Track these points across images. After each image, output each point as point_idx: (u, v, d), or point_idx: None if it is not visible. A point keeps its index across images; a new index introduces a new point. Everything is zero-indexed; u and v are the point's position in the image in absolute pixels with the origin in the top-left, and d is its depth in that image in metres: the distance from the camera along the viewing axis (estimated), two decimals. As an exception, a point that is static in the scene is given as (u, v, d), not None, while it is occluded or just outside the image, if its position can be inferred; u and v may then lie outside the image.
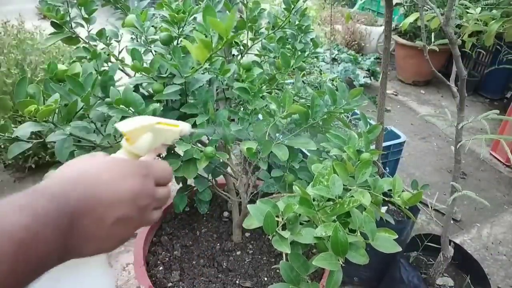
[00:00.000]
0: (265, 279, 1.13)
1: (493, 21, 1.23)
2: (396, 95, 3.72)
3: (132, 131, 0.44)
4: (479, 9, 1.19)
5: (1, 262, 0.30)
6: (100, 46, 1.11)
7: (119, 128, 0.44)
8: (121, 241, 0.41)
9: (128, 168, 0.41)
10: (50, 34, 1.07)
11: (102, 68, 0.99)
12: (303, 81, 2.49)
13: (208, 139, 0.98)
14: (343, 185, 0.74)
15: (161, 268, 1.14)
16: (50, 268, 0.35)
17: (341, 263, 0.65)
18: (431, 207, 1.25)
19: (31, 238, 0.32)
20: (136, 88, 1.00)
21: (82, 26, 1.08)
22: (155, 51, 1.02)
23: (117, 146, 0.91)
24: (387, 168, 1.84)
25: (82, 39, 1.08)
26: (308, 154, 1.00)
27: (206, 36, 0.88)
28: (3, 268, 0.30)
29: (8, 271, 0.30)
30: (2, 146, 2.09)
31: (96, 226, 0.37)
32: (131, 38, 1.10)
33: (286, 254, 0.71)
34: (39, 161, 2.17)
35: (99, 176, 0.38)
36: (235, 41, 1.13)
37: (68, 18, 1.03)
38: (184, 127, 0.50)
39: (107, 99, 0.86)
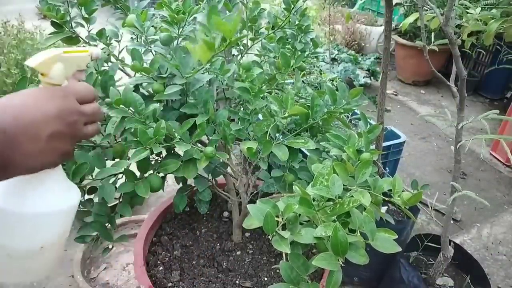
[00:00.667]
0: (265, 279, 1.13)
1: (493, 20, 1.23)
2: (396, 95, 3.72)
3: (41, 63, 0.48)
4: (479, 9, 1.19)
5: None
6: (100, 46, 1.11)
7: (29, 64, 0.48)
8: (62, 154, 0.48)
9: (48, 92, 0.48)
10: (50, 34, 1.07)
11: (102, 68, 0.99)
12: (303, 81, 2.49)
13: (208, 139, 0.98)
14: (343, 185, 0.74)
15: (161, 268, 1.14)
16: None
17: (341, 263, 0.65)
18: (431, 207, 1.26)
19: None
20: (136, 88, 1.00)
21: (82, 26, 1.08)
22: (155, 51, 1.02)
23: (117, 146, 0.91)
24: (387, 168, 1.84)
25: (82, 39, 1.08)
26: (308, 154, 1.00)
27: (207, 36, 0.88)
28: None
29: None
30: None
31: (32, 142, 0.43)
32: (131, 38, 1.10)
33: (286, 254, 0.71)
34: (39, 161, 2.17)
35: (25, 101, 0.45)
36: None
37: (68, 18, 1.03)
38: (94, 50, 0.55)
39: (107, 99, 0.86)
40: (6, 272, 0.53)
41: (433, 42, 1.13)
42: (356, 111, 1.91)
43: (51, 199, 0.52)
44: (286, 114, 0.90)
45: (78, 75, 0.54)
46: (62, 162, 0.50)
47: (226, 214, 1.38)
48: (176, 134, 0.90)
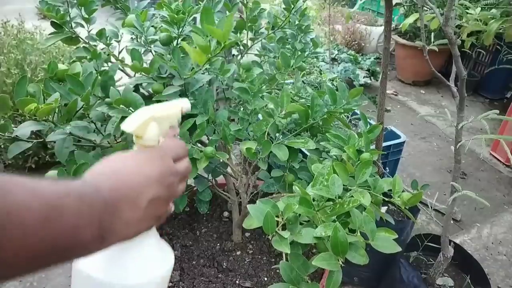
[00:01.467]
0: (265, 279, 1.13)
1: (493, 20, 1.23)
2: (396, 95, 3.72)
3: (138, 128, 0.46)
4: (478, 9, 1.19)
5: (30, 222, 0.32)
6: (100, 46, 1.11)
7: (125, 129, 0.46)
8: (158, 218, 0.47)
9: (147, 155, 0.46)
10: (50, 34, 1.07)
11: (102, 68, 0.99)
12: (303, 81, 2.49)
13: (208, 139, 0.98)
14: (343, 185, 0.74)
15: (161, 268, 1.14)
16: (88, 249, 0.38)
17: (341, 263, 0.65)
18: (431, 207, 1.26)
19: (61, 204, 0.34)
20: (136, 88, 1.00)
21: (82, 26, 1.08)
22: (155, 51, 1.02)
23: (117, 146, 0.91)
24: (387, 168, 1.84)
25: (82, 39, 1.08)
26: (308, 154, 1.00)
27: (204, 38, 0.88)
28: (32, 226, 0.32)
29: (36, 232, 0.32)
30: (2, 146, 2.09)
31: (132, 210, 0.41)
32: (131, 38, 1.10)
33: (286, 254, 0.71)
34: (39, 161, 2.18)
35: (126, 167, 0.43)
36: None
37: (68, 18, 1.03)
38: (183, 104, 0.52)
39: (107, 99, 0.86)
40: None
41: (433, 42, 1.13)
42: (356, 111, 1.91)
43: (151, 266, 0.50)
44: (284, 113, 0.90)
45: (171, 132, 0.52)
46: (159, 223, 0.49)
47: (226, 214, 1.38)
48: (176, 134, 0.90)
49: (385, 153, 1.82)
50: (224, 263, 1.17)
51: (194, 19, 1.04)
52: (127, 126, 0.46)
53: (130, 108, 0.85)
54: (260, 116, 0.99)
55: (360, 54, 4.00)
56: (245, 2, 1.10)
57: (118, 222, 0.40)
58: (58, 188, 0.35)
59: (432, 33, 1.37)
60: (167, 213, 0.49)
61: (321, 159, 0.98)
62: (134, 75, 1.04)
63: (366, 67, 3.58)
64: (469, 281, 1.39)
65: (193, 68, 0.91)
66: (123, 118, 0.85)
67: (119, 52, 1.13)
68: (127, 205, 0.41)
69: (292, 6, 1.07)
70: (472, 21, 1.18)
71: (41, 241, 0.32)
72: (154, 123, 0.47)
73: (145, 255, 0.50)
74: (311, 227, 0.70)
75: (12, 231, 0.30)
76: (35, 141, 0.82)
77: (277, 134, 0.97)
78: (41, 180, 0.35)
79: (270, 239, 0.68)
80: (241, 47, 1.17)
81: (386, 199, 0.84)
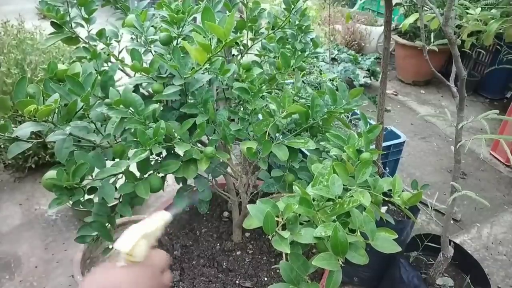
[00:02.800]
0: (265, 279, 1.13)
1: (493, 20, 1.22)
2: (396, 95, 3.72)
3: (133, 247, 0.50)
4: (478, 9, 1.19)
5: None
6: (100, 46, 1.11)
7: (120, 250, 0.49)
8: None
9: (141, 273, 0.50)
10: (50, 34, 1.07)
11: (102, 68, 0.99)
12: (303, 81, 2.49)
13: (208, 139, 0.98)
14: (343, 185, 0.74)
15: (161, 268, 1.14)
16: None
17: (341, 263, 0.65)
18: (431, 207, 1.26)
19: None
20: (136, 88, 1.00)
21: (82, 26, 1.08)
22: (155, 51, 1.02)
23: (117, 146, 0.91)
24: (387, 168, 1.84)
25: (82, 39, 1.08)
26: (308, 154, 1.00)
27: (205, 37, 0.88)
28: None
29: None
30: (2, 146, 2.09)
31: None
32: (131, 38, 1.10)
33: (286, 254, 0.71)
34: (39, 161, 2.18)
35: (124, 285, 0.47)
36: (235, 41, 1.13)
37: (68, 18, 1.03)
38: (165, 216, 0.57)
39: (107, 100, 0.86)
40: None
41: (433, 42, 1.13)
42: (356, 111, 1.91)
43: None
44: (285, 113, 0.90)
45: (153, 243, 0.55)
46: None
47: (226, 214, 1.38)
48: (176, 134, 0.90)
49: (385, 153, 1.82)
50: (224, 263, 1.17)
51: (194, 19, 1.04)
52: (122, 246, 0.49)
53: (130, 108, 0.85)
54: (260, 116, 0.98)
55: (360, 54, 4.00)
56: (245, 2, 1.10)
57: None
58: None
59: (432, 33, 1.37)
60: None
61: (321, 159, 0.98)
62: (134, 75, 1.04)
63: (366, 67, 3.58)
64: (469, 281, 1.39)
65: (193, 67, 0.91)
66: (123, 119, 0.85)
67: (119, 52, 1.13)
68: None
69: (292, 6, 1.07)
70: (472, 21, 1.18)
71: None
72: (144, 240, 0.51)
73: None
74: (311, 227, 0.70)
75: None
76: (35, 141, 0.82)
77: (277, 134, 0.97)
78: None
79: (270, 239, 0.68)
80: (241, 47, 1.17)
81: (386, 199, 0.84)
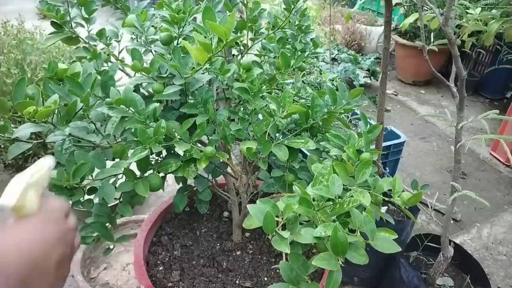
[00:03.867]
0: (265, 279, 1.13)
1: (493, 20, 1.23)
2: (396, 95, 3.72)
3: (19, 200, 0.45)
4: (478, 9, 1.19)
5: None
6: (100, 46, 1.11)
7: (6, 205, 0.44)
8: (64, 278, 0.47)
9: (39, 222, 0.45)
10: (50, 34, 1.07)
11: (102, 68, 0.99)
12: (303, 81, 2.49)
13: (208, 139, 0.98)
14: (343, 185, 0.74)
15: (161, 268, 1.14)
16: None
17: (341, 263, 0.65)
18: (431, 207, 1.26)
19: None
20: (136, 88, 1.00)
21: (82, 26, 1.08)
22: (155, 51, 1.02)
23: (117, 146, 0.91)
24: (387, 168, 1.84)
25: (82, 39, 1.08)
26: (308, 154, 1.00)
27: (205, 37, 0.88)
28: None
29: None
30: (2, 146, 2.09)
31: (44, 276, 0.42)
32: (131, 38, 1.10)
33: (286, 254, 0.71)
34: (39, 161, 2.17)
35: (24, 240, 0.42)
36: (235, 41, 1.13)
37: (68, 18, 1.03)
38: (46, 162, 0.51)
39: (107, 99, 0.86)
40: None
41: (433, 42, 1.13)
42: (356, 111, 1.91)
43: None
44: (285, 113, 0.90)
45: (46, 192, 0.51)
46: (63, 284, 0.49)
47: (226, 214, 1.38)
48: (176, 134, 0.90)
49: (385, 153, 1.82)
50: (224, 263, 1.17)
51: (195, 19, 1.04)
52: (7, 200, 0.44)
53: (130, 108, 0.85)
54: (260, 116, 0.98)
55: (360, 54, 4.00)
56: (245, 2, 1.10)
57: None
58: None
59: (432, 33, 1.37)
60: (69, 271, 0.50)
61: (321, 159, 0.98)
62: (134, 75, 1.04)
63: (366, 67, 3.58)
64: (469, 281, 1.39)
65: (193, 67, 0.91)
66: (123, 118, 0.85)
67: (119, 52, 1.13)
68: (38, 273, 0.41)
69: (292, 6, 1.07)
70: (472, 21, 1.18)
71: None
72: (32, 189, 0.46)
73: None
74: (311, 227, 0.70)
75: None
76: (35, 141, 0.82)
77: (277, 134, 0.97)
78: None
79: (270, 239, 0.68)
80: (241, 47, 1.17)
81: (386, 199, 0.84)
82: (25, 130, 0.78)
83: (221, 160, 1.11)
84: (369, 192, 0.80)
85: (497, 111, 1.00)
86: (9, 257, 0.40)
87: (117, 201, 1.00)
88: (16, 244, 0.41)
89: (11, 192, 0.45)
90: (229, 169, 1.18)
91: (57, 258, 0.44)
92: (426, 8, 1.24)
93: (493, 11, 1.26)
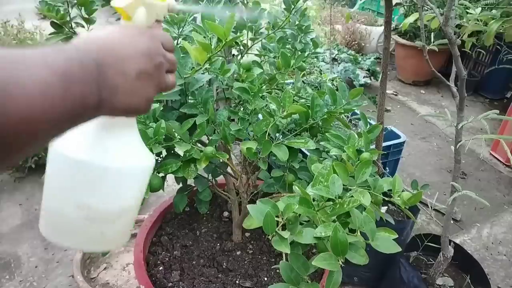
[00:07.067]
0: (265, 279, 1.13)
1: (493, 21, 1.23)
2: (396, 95, 3.72)
3: (128, 5, 0.47)
4: (479, 9, 1.19)
5: (47, 90, 0.32)
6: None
7: (115, 5, 0.46)
8: (146, 99, 0.45)
9: (137, 30, 0.46)
10: (50, 34, 1.07)
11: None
12: (303, 81, 2.49)
13: (208, 139, 0.98)
14: (343, 185, 0.74)
15: (161, 268, 1.14)
16: (87, 117, 0.38)
17: (341, 263, 0.65)
18: (431, 207, 1.26)
19: (71, 73, 0.34)
20: (136, 88, 1.00)
21: (82, 26, 1.08)
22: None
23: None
24: (387, 168, 1.84)
25: (82, 39, 1.08)
26: (308, 154, 1.00)
27: (205, 37, 0.88)
28: (47, 95, 0.32)
29: (49, 100, 0.32)
30: (2, 146, 2.08)
31: (121, 78, 0.41)
32: (131, 38, 1.10)
33: (286, 254, 0.71)
34: (39, 161, 2.18)
35: (113, 37, 0.43)
36: (235, 41, 1.13)
37: (68, 18, 1.03)
38: (171, 1, 0.52)
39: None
40: (81, 237, 0.49)
41: (433, 42, 1.13)
42: (356, 111, 1.91)
43: (132, 154, 0.49)
44: (285, 113, 0.90)
45: (157, 26, 0.52)
46: (145, 110, 0.47)
47: (226, 214, 1.38)
48: (176, 134, 0.90)
49: (385, 153, 1.82)
50: (224, 263, 1.17)
51: (194, 19, 1.04)
52: (118, 2, 0.46)
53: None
54: (260, 116, 0.99)
55: (360, 54, 4.00)
56: (245, 2, 1.10)
57: (110, 89, 0.40)
58: (60, 57, 0.35)
59: (432, 33, 1.37)
60: (153, 99, 0.48)
61: (321, 159, 0.98)
62: (134, 75, 1.04)
63: (366, 67, 3.58)
64: (469, 281, 1.39)
65: (193, 67, 0.91)
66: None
67: (119, 52, 1.13)
68: (117, 72, 0.41)
69: (292, 6, 1.07)
70: (472, 21, 1.18)
71: (53, 112, 0.33)
72: (143, 8, 0.48)
73: (128, 142, 0.49)
74: (311, 227, 0.70)
75: (18, 100, 0.30)
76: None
77: (277, 134, 0.97)
78: (44, 49, 0.35)
79: (270, 239, 0.68)
80: (241, 47, 1.17)
81: (386, 199, 0.84)
82: (25, 130, 0.78)
83: (221, 160, 1.11)
84: (369, 192, 0.80)
85: (497, 111, 1.00)
86: (94, 45, 0.40)
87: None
88: (108, 32, 0.42)
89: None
90: (229, 169, 1.18)
91: (139, 68, 0.43)
92: (426, 8, 1.24)
93: (493, 11, 1.26)
